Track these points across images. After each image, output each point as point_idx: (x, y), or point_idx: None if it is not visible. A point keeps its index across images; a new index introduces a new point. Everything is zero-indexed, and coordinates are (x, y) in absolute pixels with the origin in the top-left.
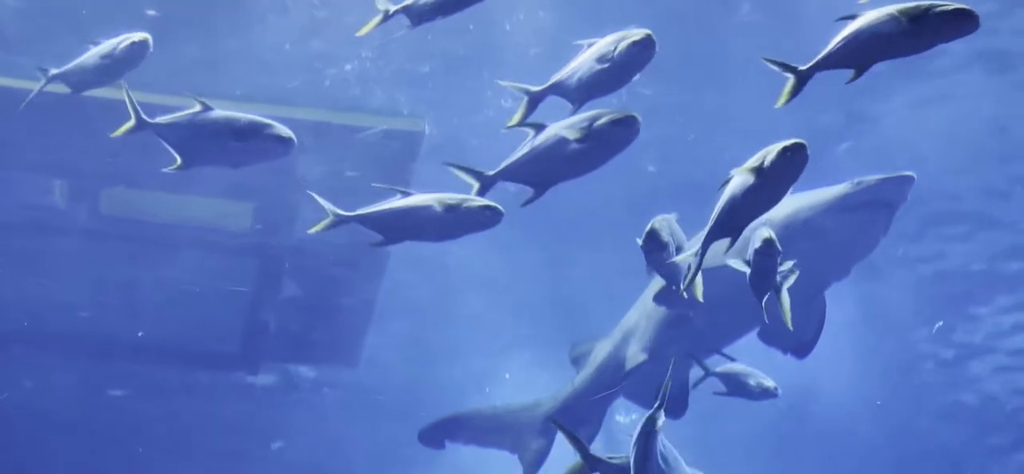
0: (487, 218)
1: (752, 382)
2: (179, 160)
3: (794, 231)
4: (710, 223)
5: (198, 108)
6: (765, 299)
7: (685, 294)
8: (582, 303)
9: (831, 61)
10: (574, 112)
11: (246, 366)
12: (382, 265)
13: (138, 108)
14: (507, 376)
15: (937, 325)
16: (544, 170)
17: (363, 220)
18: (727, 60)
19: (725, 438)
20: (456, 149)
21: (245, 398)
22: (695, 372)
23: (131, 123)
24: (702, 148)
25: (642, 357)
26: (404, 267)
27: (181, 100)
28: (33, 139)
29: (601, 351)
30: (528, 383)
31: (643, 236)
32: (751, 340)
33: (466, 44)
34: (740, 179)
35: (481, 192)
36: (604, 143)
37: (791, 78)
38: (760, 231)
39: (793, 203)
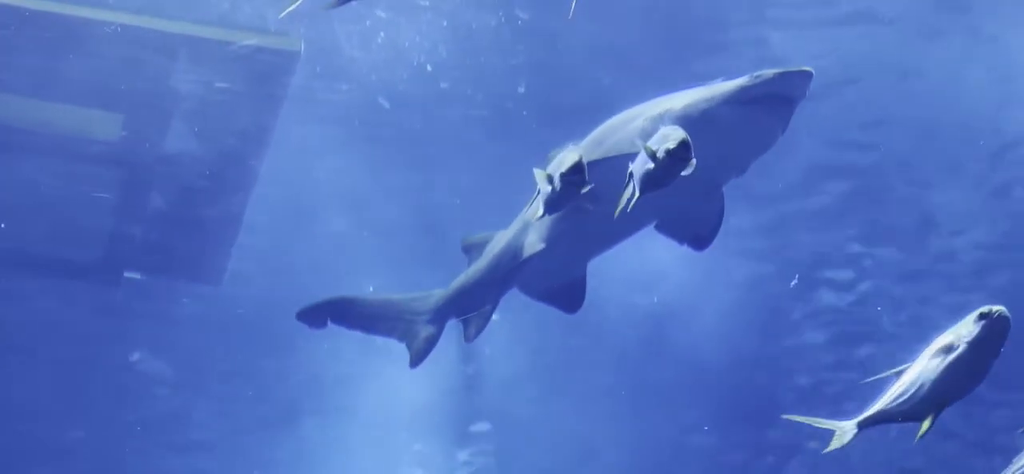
0: None
1: None
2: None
3: (691, 121)
4: None
5: None
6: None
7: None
8: (442, 222)
9: None
10: None
11: (106, 276)
12: (250, 180)
13: None
14: (371, 289)
15: (793, 281)
16: None
17: None
18: None
19: (599, 339)
20: (333, 60)
21: (103, 308)
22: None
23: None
24: (575, 74)
25: (539, 246)
26: (269, 183)
27: (56, 5)
28: None
29: (498, 241)
30: None
31: (566, 167)
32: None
33: None
34: None
35: None
36: None
37: None
38: (677, 132)
39: (691, 94)
